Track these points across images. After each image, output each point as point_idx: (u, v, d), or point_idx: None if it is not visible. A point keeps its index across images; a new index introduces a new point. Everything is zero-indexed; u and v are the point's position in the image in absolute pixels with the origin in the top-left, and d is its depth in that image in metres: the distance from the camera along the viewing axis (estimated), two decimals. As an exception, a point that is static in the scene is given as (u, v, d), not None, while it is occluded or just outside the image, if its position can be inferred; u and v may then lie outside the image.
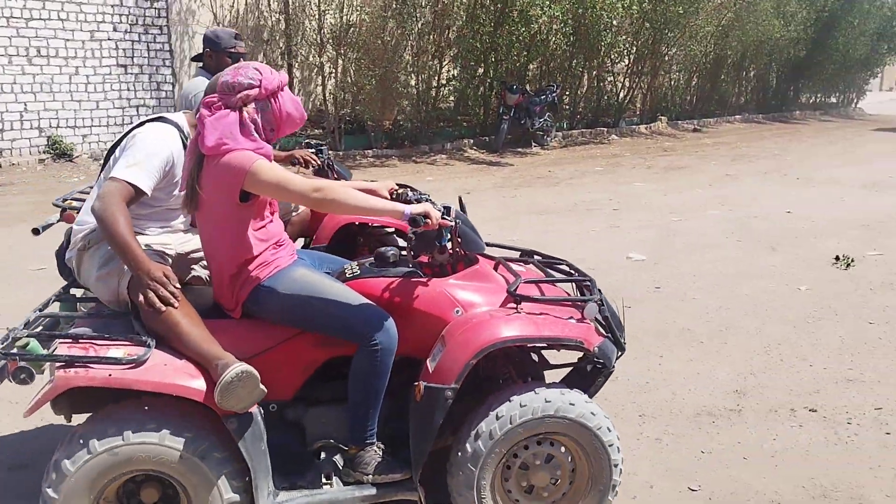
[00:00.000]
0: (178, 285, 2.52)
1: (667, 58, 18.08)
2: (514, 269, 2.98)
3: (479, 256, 3.02)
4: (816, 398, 4.02)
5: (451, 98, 14.75)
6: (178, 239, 2.89)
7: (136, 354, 2.41)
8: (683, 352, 4.64)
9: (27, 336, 2.47)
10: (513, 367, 3.06)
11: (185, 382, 2.43)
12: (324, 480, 2.72)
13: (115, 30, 11.59)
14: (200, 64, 4.33)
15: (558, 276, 3.14)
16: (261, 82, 2.57)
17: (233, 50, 4.14)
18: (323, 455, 2.81)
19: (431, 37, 13.28)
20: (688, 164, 13.16)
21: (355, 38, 12.52)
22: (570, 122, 16.54)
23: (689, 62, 18.76)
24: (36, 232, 3.16)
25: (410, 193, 3.02)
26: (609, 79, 17.14)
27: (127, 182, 2.59)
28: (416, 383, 2.65)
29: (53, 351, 2.46)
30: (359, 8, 12.47)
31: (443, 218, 2.72)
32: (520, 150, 14.21)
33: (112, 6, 11.50)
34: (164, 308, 2.45)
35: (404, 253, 2.89)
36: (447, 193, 9.80)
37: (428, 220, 2.58)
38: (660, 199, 9.70)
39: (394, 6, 12.58)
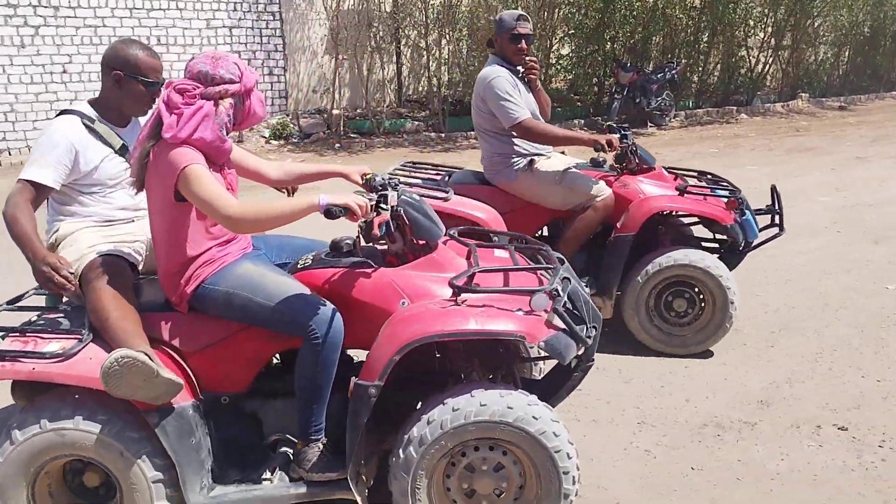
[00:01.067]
0: (71, 270, 2.54)
1: (810, 30, 16.59)
2: (478, 257, 2.81)
3: (442, 244, 2.87)
4: (852, 415, 3.52)
5: (561, 78, 14.29)
6: (141, 228, 2.90)
7: (66, 348, 2.48)
8: (720, 354, 4.22)
9: None
10: (478, 361, 2.88)
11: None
12: (267, 475, 2.68)
13: (229, 17, 12.11)
14: (493, 49, 4.44)
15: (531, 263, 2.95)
16: (241, 78, 2.56)
17: (514, 32, 4.24)
18: (279, 449, 2.77)
19: (540, 14, 12.90)
20: (817, 145, 12.03)
21: (460, 19, 12.39)
22: (696, 100, 15.59)
23: (838, 34, 17.12)
24: None
25: (377, 178, 2.91)
26: (741, 53, 15.96)
27: (27, 181, 2.65)
28: (351, 379, 2.55)
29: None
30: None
31: (376, 207, 2.59)
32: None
33: (226, -6, 12.03)
34: (65, 289, 2.48)
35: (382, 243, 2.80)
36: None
37: (344, 212, 2.46)
38: (768, 183, 8.91)
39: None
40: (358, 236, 2.78)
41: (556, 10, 13.11)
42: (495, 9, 12.29)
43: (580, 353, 2.68)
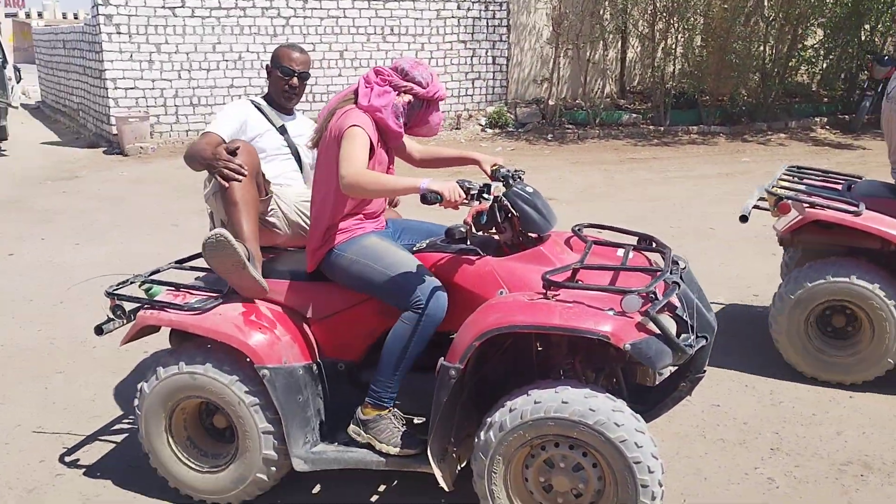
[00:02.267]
0: (239, 162, 2.95)
1: None
2: (591, 254, 2.79)
3: (554, 238, 2.88)
4: None
5: (805, 71, 13.06)
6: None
7: (202, 303, 2.85)
8: (898, 387, 3.72)
9: (149, 282, 3.07)
10: (580, 359, 2.85)
11: (226, 330, 2.79)
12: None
13: (458, 7, 12.58)
14: None
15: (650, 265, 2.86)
16: (428, 85, 2.85)
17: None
18: None
19: (783, 2, 11.89)
20: None
21: (691, 7, 11.81)
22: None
23: None
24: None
25: (503, 170, 2.99)
26: None
27: (207, 132, 3.18)
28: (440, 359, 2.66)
29: (153, 297, 3.02)
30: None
31: (479, 197, 2.66)
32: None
33: (457, -14, 12.49)
34: (237, 179, 2.91)
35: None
36: (757, 176, 8.88)
37: (439, 198, 2.56)
38: None
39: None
40: (470, 225, 2.86)
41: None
42: (731, -3, 11.56)
43: (679, 361, 2.55)
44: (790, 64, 12.53)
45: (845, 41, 12.42)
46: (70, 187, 9.07)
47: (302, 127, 3.38)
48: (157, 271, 3.17)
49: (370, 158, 2.75)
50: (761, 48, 12.27)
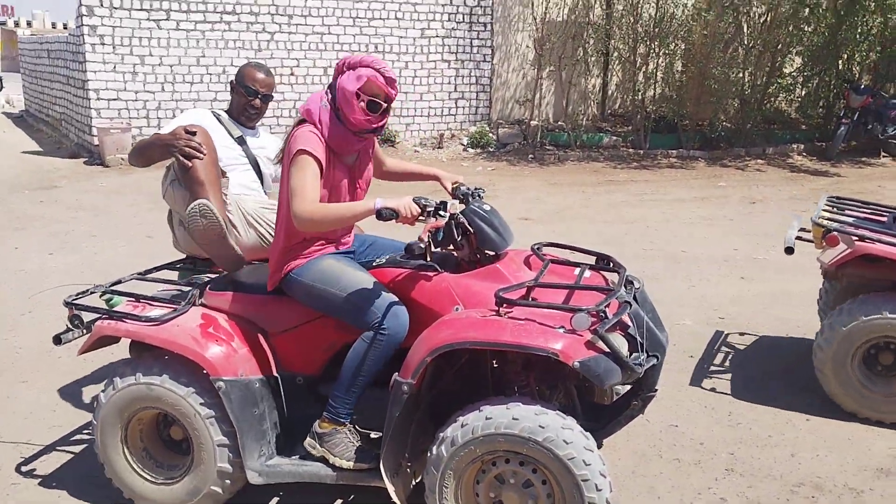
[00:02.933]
0: (199, 141, 3.03)
1: None
2: (546, 272, 2.82)
3: (512, 256, 2.92)
4: None
5: (783, 98, 13.26)
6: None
7: (160, 315, 2.85)
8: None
9: (110, 293, 3.08)
10: (534, 376, 2.88)
11: (183, 341, 2.79)
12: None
13: (443, 27, 12.70)
14: None
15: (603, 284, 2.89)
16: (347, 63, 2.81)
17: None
18: None
19: (762, 30, 12.11)
20: None
21: (673, 32, 12.00)
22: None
23: None
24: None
25: (462, 188, 3.03)
26: None
27: (156, 134, 3.23)
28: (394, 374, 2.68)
29: (114, 307, 3.03)
30: (679, 1, 11.90)
31: (435, 214, 2.70)
32: (863, 159, 12.24)
33: (443, 5, 12.61)
34: (199, 156, 2.99)
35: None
36: (732, 201, 9.01)
37: (395, 215, 2.59)
38: None
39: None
40: (428, 242, 2.89)
41: (783, 26, 12.21)
42: (711, 24, 11.75)
43: (628, 380, 2.59)
44: (769, 91, 12.72)
45: (823, 70, 12.64)
46: (48, 196, 9.04)
47: (264, 140, 3.42)
48: (119, 282, 3.19)
49: (325, 181, 2.74)
50: (741, 75, 12.46)
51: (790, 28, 12.22)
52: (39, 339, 4.60)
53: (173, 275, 3.44)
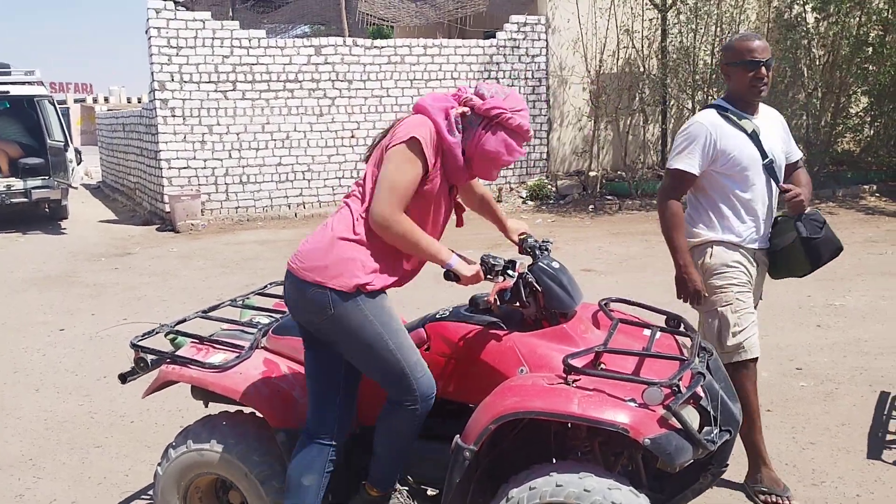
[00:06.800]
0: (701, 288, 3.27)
1: None
2: (615, 334, 2.73)
3: (581, 314, 2.85)
4: None
5: (851, 138, 12.91)
6: None
7: (224, 361, 2.88)
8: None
9: (174, 332, 3.13)
10: (598, 443, 2.78)
11: (244, 390, 2.77)
12: None
13: (498, 83, 12.85)
14: None
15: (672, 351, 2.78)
16: (492, 98, 2.45)
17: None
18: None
19: (824, 72, 11.90)
20: None
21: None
22: None
23: None
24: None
25: (529, 241, 2.99)
26: None
27: (673, 169, 3.28)
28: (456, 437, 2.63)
29: (179, 349, 3.07)
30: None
31: (503, 273, 2.67)
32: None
33: (497, 63, 12.84)
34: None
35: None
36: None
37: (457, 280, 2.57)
38: None
39: (786, 43, 11.64)
40: (494, 300, 2.85)
41: (849, 65, 11.98)
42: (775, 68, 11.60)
43: (699, 456, 2.46)
44: (835, 132, 12.42)
45: (891, 108, 12.30)
46: (122, 263, 9.39)
47: (770, 120, 3.31)
48: (184, 321, 3.22)
49: (423, 184, 2.43)
50: (804, 117, 12.21)
51: (853, 68, 11.98)
52: (113, 404, 4.72)
53: (236, 313, 3.47)
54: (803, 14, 11.83)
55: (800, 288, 6.83)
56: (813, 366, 4.91)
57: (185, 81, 11.44)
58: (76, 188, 12.92)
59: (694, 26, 11.98)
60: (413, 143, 2.38)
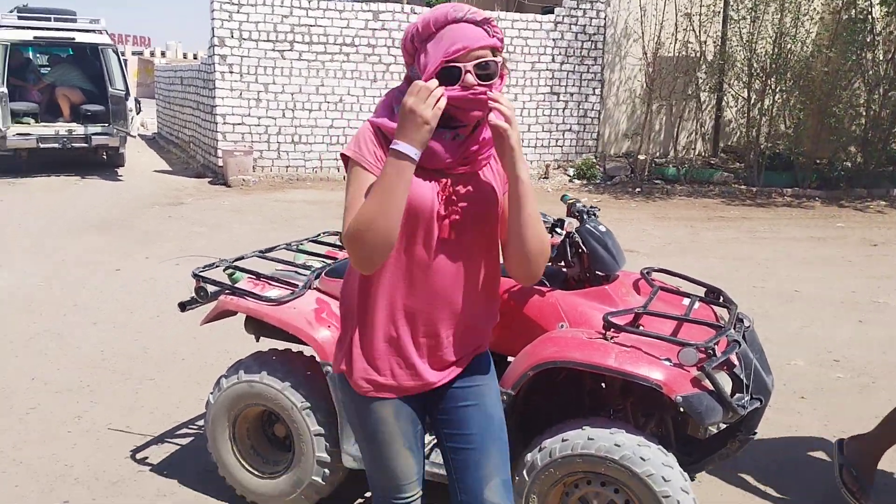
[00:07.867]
0: None
1: None
2: (655, 300, 2.82)
3: (622, 278, 2.95)
4: None
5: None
6: None
7: (279, 295, 3.02)
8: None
9: (233, 268, 3.28)
10: (631, 403, 2.89)
11: (298, 323, 2.89)
12: None
13: (553, 60, 12.83)
14: None
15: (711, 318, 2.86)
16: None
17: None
18: None
19: (887, 67, 11.60)
20: None
21: (790, 68, 11.67)
22: None
23: None
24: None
25: (578, 204, 3.08)
26: None
27: None
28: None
29: (236, 282, 3.22)
30: (798, 38, 11.58)
31: (551, 231, 2.77)
32: None
33: (554, 40, 12.77)
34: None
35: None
36: (851, 242, 8.63)
37: None
38: None
39: (844, 34, 11.38)
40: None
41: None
42: (833, 60, 11.36)
43: (729, 420, 2.54)
44: (894, 130, 12.13)
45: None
46: (175, 212, 9.67)
47: None
48: (242, 258, 3.35)
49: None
50: (863, 112, 11.95)
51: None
52: (165, 341, 4.94)
53: (290, 256, 3.57)
54: (870, 8, 11.53)
55: (845, 283, 6.81)
56: (851, 359, 4.92)
57: (244, 39, 11.62)
58: (134, 137, 13.25)
59: (757, 13, 11.75)
60: (347, 163, 1.93)
